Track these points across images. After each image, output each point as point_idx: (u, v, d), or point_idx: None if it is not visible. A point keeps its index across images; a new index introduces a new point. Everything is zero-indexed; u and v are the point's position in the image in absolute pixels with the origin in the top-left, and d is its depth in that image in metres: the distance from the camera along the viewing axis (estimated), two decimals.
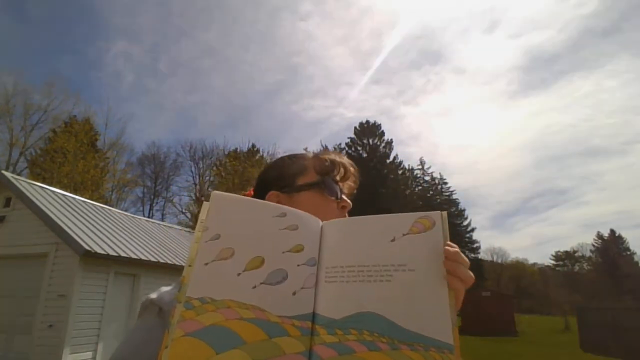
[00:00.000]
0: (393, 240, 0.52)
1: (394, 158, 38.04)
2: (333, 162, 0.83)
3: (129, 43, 44.99)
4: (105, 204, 15.37)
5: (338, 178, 0.82)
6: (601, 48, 56.78)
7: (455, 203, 42.26)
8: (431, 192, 42.44)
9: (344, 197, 0.81)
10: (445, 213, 0.53)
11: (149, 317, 0.60)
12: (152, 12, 44.61)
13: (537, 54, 55.80)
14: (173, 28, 46.68)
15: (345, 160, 0.86)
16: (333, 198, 0.79)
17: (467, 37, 55.50)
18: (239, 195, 0.57)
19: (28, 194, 8.00)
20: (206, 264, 0.49)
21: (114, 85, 43.60)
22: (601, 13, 53.71)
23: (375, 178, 34.02)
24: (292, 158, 0.86)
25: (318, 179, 0.80)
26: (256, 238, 0.52)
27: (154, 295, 0.62)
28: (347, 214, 0.81)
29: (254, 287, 0.48)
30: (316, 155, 0.85)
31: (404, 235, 0.52)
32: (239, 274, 0.49)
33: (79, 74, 42.24)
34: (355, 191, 0.89)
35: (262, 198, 0.80)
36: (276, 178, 0.82)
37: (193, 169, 32.44)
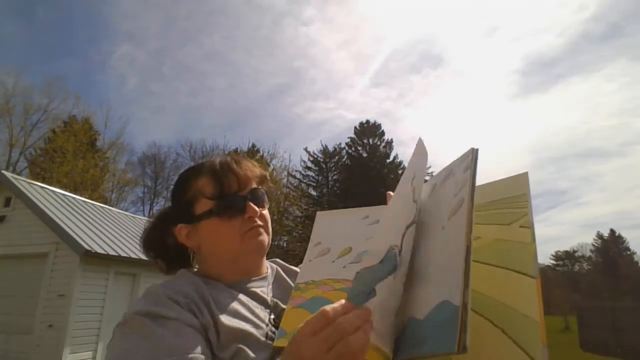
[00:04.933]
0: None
1: (394, 158, 38.00)
2: (218, 178, 0.72)
3: (133, 46, 44.97)
4: (105, 203, 15.33)
5: (235, 189, 0.73)
6: (599, 52, 56.69)
7: None
8: None
9: (250, 205, 0.72)
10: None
11: (134, 325, 0.58)
12: (157, 16, 44.58)
13: (536, 58, 55.63)
14: (177, 32, 46.62)
15: (228, 160, 0.75)
16: (237, 215, 0.72)
17: (467, 41, 55.40)
18: (336, 210, 0.79)
19: (28, 193, 7.99)
20: (310, 260, 0.68)
21: (118, 88, 43.61)
22: (599, 18, 53.61)
23: (375, 178, 33.98)
24: (183, 185, 0.77)
25: (212, 204, 0.71)
26: (346, 236, 0.69)
27: (129, 311, 0.61)
28: (261, 217, 0.74)
29: (344, 267, 0.63)
30: (199, 177, 0.75)
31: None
32: (333, 261, 0.66)
33: (83, 77, 42.23)
34: (267, 174, 0.80)
35: (167, 231, 0.76)
36: (177, 211, 0.76)
37: None
